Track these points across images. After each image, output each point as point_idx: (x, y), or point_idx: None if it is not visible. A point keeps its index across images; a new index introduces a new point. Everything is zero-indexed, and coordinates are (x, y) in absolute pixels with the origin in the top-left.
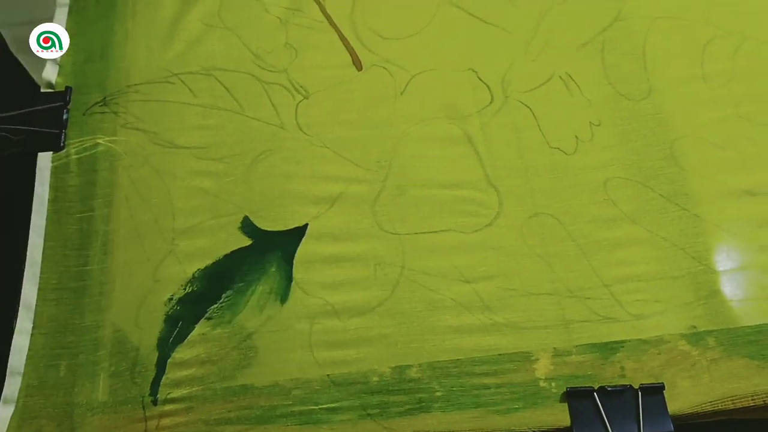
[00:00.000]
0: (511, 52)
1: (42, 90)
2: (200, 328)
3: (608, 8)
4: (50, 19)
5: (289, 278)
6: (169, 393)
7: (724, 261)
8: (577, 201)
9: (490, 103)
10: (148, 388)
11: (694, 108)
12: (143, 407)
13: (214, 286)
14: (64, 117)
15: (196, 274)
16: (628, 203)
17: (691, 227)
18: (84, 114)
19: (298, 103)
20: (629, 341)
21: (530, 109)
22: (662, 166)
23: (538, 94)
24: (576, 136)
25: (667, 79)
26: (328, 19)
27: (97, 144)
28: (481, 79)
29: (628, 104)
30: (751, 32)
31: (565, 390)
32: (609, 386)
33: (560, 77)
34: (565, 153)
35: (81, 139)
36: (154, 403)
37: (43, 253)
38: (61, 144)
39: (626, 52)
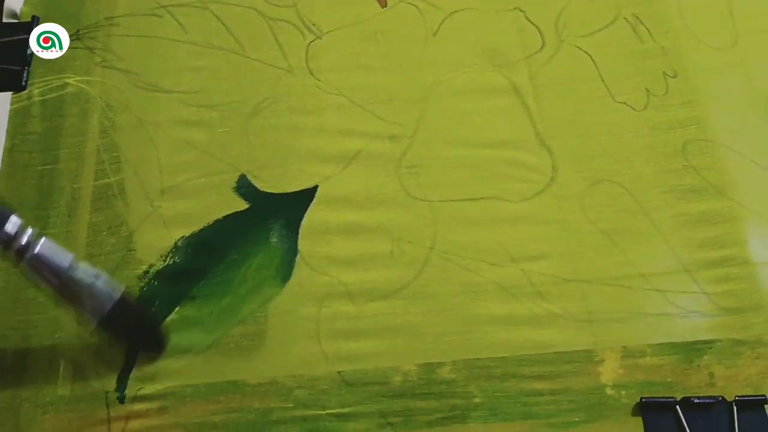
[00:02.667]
0: None
1: (3, 20)
2: (182, 310)
3: None
4: None
5: (293, 251)
6: (139, 389)
7: None
8: (650, 167)
9: (541, 48)
10: (115, 381)
11: None
12: (107, 405)
13: (201, 259)
14: (28, 52)
15: (179, 243)
16: (714, 171)
17: None
18: None
19: (309, 44)
20: (719, 341)
21: (590, 56)
22: (755, 127)
23: (600, 39)
24: (647, 90)
25: (757, 25)
26: None
27: (66, 84)
28: (529, 20)
29: (711, 52)
30: None
31: (638, 401)
32: (695, 397)
33: (626, 19)
34: (634, 109)
35: (47, 78)
36: (121, 400)
37: None
38: (23, 83)
39: None
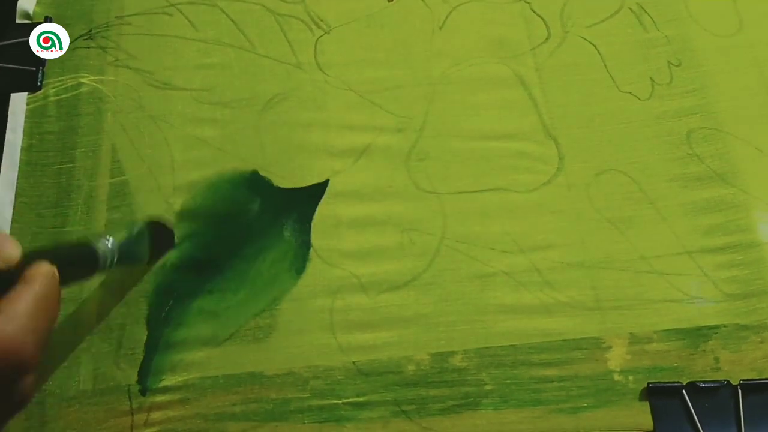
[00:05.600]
0: None
1: (17, 21)
2: (199, 303)
3: None
4: None
5: (306, 245)
6: (161, 381)
7: None
8: (655, 156)
9: (547, 39)
10: (136, 374)
11: None
12: (129, 397)
13: (217, 254)
14: None
15: (194, 239)
16: (718, 159)
17: None
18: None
19: (317, 39)
20: (724, 326)
21: (595, 46)
22: (759, 114)
23: (605, 29)
24: (651, 79)
25: (762, 12)
26: None
27: (81, 84)
28: (535, 11)
29: (715, 40)
30: None
31: (645, 386)
32: (701, 382)
33: (630, 9)
34: (639, 98)
35: (62, 78)
36: (143, 392)
37: (13, 210)
38: (38, 83)
39: None
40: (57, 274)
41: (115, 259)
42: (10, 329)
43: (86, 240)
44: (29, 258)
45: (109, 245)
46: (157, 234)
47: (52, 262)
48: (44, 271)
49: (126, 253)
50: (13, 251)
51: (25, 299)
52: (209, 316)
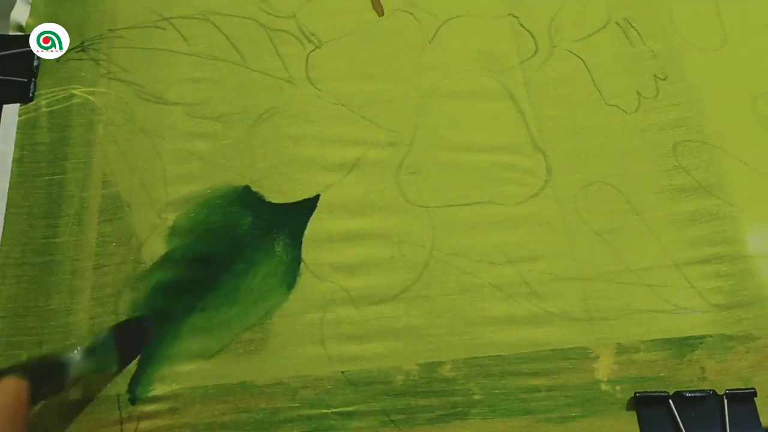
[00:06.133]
0: None
1: (10, 32)
2: (192, 321)
3: None
4: None
5: (297, 259)
6: (151, 390)
7: None
8: (642, 168)
9: (535, 53)
10: (126, 384)
11: None
12: (119, 407)
13: (208, 270)
14: (35, 64)
15: (186, 255)
16: (703, 171)
17: None
18: (58, 61)
19: (308, 54)
20: (710, 336)
21: (582, 60)
22: (743, 127)
23: (592, 43)
24: (638, 92)
25: (745, 26)
26: None
27: (73, 95)
28: (523, 26)
29: (699, 54)
30: None
31: (632, 395)
32: (687, 391)
33: (617, 23)
34: (625, 112)
35: (54, 89)
36: (132, 401)
37: (4, 221)
38: (30, 95)
39: None
40: (25, 387)
41: (84, 371)
42: None
43: (58, 354)
44: (1, 373)
45: (78, 356)
46: (128, 335)
47: (23, 376)
48: (10, 386)
49: (94, 364)
50: None
51: None
52: (201, 331)
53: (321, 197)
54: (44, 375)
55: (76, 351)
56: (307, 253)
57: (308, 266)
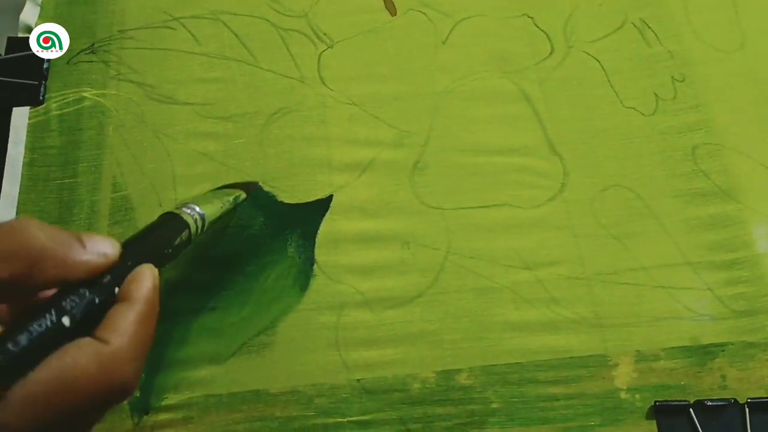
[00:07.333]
0: None
1: (19, 35)
2: (202, 321)
3: None
4: None
5: (310, 261)
6: (164, 399)
7: None
8: (660, 172)
9: (550, 54)
10: (139, 392)
11: None
12: (132, 416)
13: (220, 270)
14: (45, 66)
15: (197, 255)
16: (723, 175)
17: None
18: (68, 63)
19: (320, 53)
20: (732, 344)
21: (599, 61)
22: (762, 130)
23: (608, 44)
24: (655, 94)
25: (764, 27)
26: None
27: (83, 98)
28: (538, 27)
29: (718, 56)
30: None
31: (652, 404)
32: (708, 400)
33: (634, 24)
34: (643, 114)
35: (64, 92)
36: (146, 411)
37: None
38: (41, 97)
39: None
40: (158, 279)
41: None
42: (119, 368)
43: (173, 215)
44: (127, 257)
45: (198, 212)
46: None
47: (152, 259)
48: (148, 288)
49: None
50: (108, 249)
51: (131, 327)
52: (212, 333)
53: (334, 198)
54: (169, 244)
55: (188, 208)
56: (320, 254)
57: (321, 267)
